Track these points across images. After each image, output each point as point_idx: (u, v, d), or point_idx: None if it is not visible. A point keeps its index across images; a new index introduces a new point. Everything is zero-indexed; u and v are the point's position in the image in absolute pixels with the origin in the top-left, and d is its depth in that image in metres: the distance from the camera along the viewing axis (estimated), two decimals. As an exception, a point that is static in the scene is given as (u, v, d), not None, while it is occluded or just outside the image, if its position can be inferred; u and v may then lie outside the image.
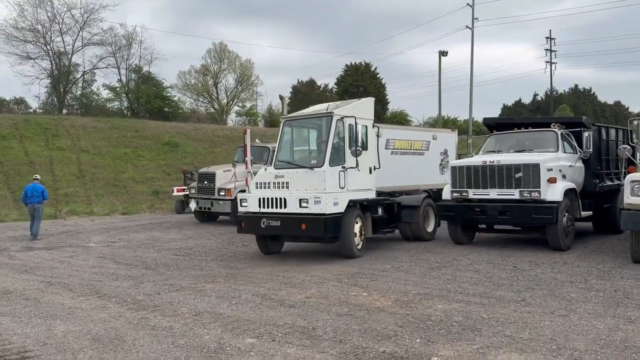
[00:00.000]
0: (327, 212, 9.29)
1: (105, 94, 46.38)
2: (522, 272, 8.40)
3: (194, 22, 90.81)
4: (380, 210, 11.07)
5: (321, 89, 59.38)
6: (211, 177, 17.95)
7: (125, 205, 23.92)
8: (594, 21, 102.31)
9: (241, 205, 10.28)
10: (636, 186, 8.57)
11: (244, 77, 58.70)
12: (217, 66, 57.77)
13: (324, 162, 9.71)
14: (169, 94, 46.57)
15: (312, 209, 9.32)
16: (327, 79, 76.04)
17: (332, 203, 9.42)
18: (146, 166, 29.23)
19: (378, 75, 56.62)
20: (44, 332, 5.62)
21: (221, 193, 17.46)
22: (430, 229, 12.54)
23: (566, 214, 10.35)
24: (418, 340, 5.11)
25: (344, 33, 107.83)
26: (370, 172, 10.78)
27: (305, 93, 57.90)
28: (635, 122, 9.86)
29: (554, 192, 10.10)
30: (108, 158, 28.57)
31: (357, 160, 10.00)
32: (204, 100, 58.54)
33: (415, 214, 11.94)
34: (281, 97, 15.78)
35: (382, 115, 52.61)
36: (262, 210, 9.91)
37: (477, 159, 11.19)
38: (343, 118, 10.11)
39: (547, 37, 57.89)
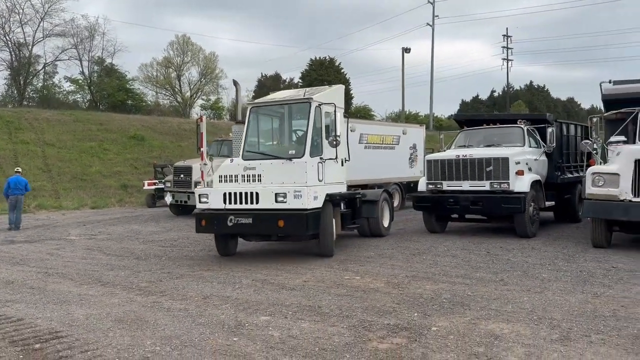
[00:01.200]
0: (308, 207, 8.50)
1: (67, 86, 45.38)
2: (496, 256, 9.16)
3: (155, 14, 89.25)
4: (344, 205, 10.28)
5: (286, 82, 59.56)
6: (187, 170, 18.15)
7: (94, 199, 23.75)
8: (548, 20, 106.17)
9: (200, 202, 9.19)
10: (596, 178, 9.44)
11: (208, 70, 58.30)
12: (180, 59, 57.18)
13: (305, 153, 8.97)
14: (132, 87, 45.86)
15: (291, 203, 8.49)
16: (292, 73, 76.24)
17: (312, 197, 8.68)
18: (113, 160, 29.00)
19: (342, 70, 57.28)
20: (64, 315, 5.93)
21: (198, 186, 17.72)
22: (386, 224, 12.08)
23: (532, 204, 11.22)
24: (416, 314, 5.71)
25: (307, 27, 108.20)
26: (342, 165, 10.16)
27: (270, 87, 58.07)
28: (595, 120, 10.79)
29: (521, 184, 10.94)
30: (74, 152, 28.20)
31: (336, 151, 9.44)
32: (167, 93, 57.86)
33: (375, 208, 11.38)
34: (235, 83, 13.07)
35: (347, 109, 53.34)
36: (229, 206, 8.89)
37: (450, 153, 11.93)
38: (321, 105, 9.44)
39: (504, 35, 60.02)
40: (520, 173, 10.99)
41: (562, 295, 6.46)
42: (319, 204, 8.90)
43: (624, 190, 9.14)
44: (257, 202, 8.74)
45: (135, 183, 26.19)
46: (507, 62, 60.08)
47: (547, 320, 5.44)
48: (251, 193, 8.79)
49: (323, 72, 56.89)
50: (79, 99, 45.51)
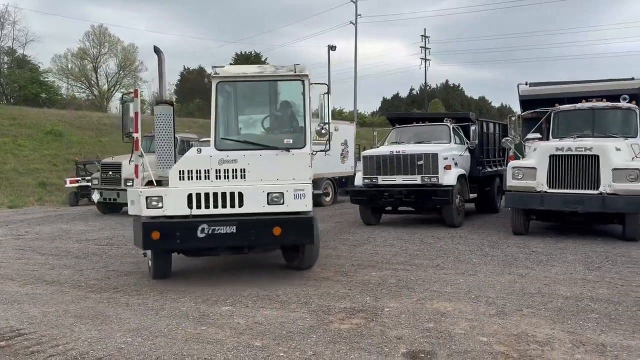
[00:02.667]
0: (310, 210, 6.93)
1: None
2: (429, 245, 9.89)
3: (70, 2, 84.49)
4: None
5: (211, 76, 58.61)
6: (116, 167, 17.68)
7: (11, 198, 22.40)
8: (464, 22, 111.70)
9: (149, 207, 6.72)
10: (516, 171, 10.43)
11: (127, 62, 56.30)
12: (96, 50, 54.80)
13: (306, 142, 7.28)
14: (46, 79, 43.39)
15: (292, 205, 6.81)
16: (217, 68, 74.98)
17: (311, 198, 7.11)
18: (29, 156, 27.42)
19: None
20: (20, 314, 5.84)
21: (128, 183, 17.30)
22: None
23: (458, 196, 12.14)
24: (368, 298, 6.19)
25: (229, 21, 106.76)
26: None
27: (193, 81, 57.00)
28: (513, 118, 11.86)
29: (449, 178, 11.81)
30: (-16, 148, 26.40)
31: (328, 142, 7.74)
32: (82, 86, 55.23)
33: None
34: (157, 50, 8.36)
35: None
36: (197, 211, 6.75)
37: (385, 149, 12.61)
38: (312, 85, 7.60)
39: (422, 35, 62.62)
40: (448, 168, 11.85)
41: (492, 276, 7.21)
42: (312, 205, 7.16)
43: (540, 183, 10.17)
44: (240, 205, 6.80)
45: (55, 181, 24.98)
46: (425, 62, 62.78)
47: (484, 298, 6.11)
48: (232, 193, 6.78)
49: (248, 67, 56.67)
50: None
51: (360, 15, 43.97)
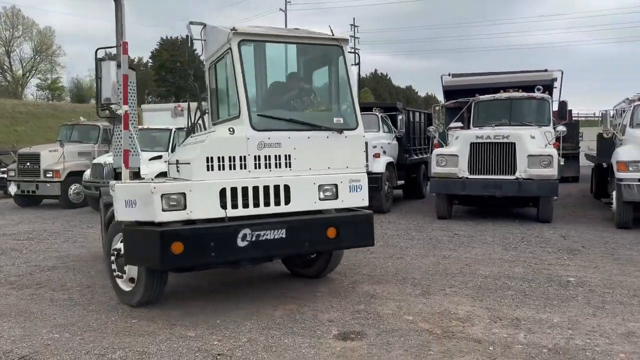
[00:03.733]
0: (366, 205, 5.82)
1: None
2: (359, 231, 10.18)
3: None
4: None
5: (134, 62, 56.48)
6: (35, 158, 16.77)
7: None
8: (392, 12, 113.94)
9: (167, 208, 4.88)
10: (440, 158, 10.93)
11: (43, 47, 53.13)
12: (9, 33, 51.30)
13: (358, 122, 5.80)
14: (-49, 63, 40.16)
15: (347, 200, 5.61)
16: (141, 53, 72.22)
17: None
18: None
19: (196, 52, 55.84)
20: None
21: (48, 175, 16.49)
22: None
23: (387, 183, 12.54)
24: (300, 284, 6.33)
25: (151, 5, 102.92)
26: None
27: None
28: (437, 108, 12.38)
29: (378, 165, 12.16)
30: None
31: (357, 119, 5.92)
32: (-7, 71, 51.62)
33: None
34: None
35: (201, 93, 52.26)
36: (233, 212, 5.09)
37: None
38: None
39: (351, 25, 63.36)
40: (377, 156, 12.19)
41: (418, 259, 7.56)
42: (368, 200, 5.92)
43: (461, 169, 10.72)
44: (287, 202, 5.35)
45: (-35, 173, 23.29)
46: (355, 51, 63.54)
47: (410, 280, 6.42)
48: (276, 187, 5.29)
49: (175, 52, 55.04)
50: None
51: (289, 2, 43.84)
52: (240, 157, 5.19)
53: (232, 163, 5.16)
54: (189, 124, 6.48)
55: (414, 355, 4.15)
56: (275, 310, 5.34)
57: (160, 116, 16.67)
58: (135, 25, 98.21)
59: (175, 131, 15.21)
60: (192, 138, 6.05)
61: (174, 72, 53.98)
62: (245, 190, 5.15)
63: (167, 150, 14.83)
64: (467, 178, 10.68)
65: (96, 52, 6.15)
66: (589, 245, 8.43)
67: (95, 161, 14.68)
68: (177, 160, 5.75)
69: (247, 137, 5.19)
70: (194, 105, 6.63)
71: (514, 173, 10.39)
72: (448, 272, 6.78)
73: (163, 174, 14.16)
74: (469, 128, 11.76)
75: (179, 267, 5.26)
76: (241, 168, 5.20)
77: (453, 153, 10.87)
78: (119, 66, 5.81)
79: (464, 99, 12.12)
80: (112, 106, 5.70)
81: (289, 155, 5.39)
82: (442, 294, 5.79)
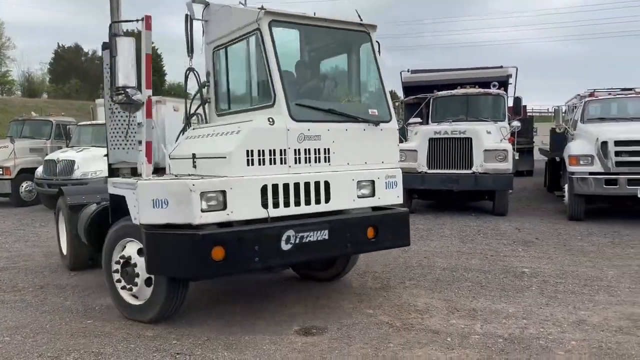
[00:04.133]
0: (401, 203, 5.52)
1: None
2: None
3: None
4: None
5: (89, 55, 54.91)
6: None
7: None
8: (350, 9, 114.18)
9: (206, 209, 4.33)
10: (400, 154, 11.00)
11: (-9, 39, 50.90)
12: (-47, 23, 48.99)
13: (391, 114, 5.53)
14: None
15: (384, 198, 5.30)
16: (95, 45, 70.23)
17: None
18: None
19: (152, 44, 54.72)
20: None
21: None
22: None
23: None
24: (263, 280, 6.30)
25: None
26: None
27: (69, 60, 53.00)
28: (397, 104, 12.50)
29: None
30: None
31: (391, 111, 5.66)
32: None
33: None
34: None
35: (159, 87, 51.33)
36: (275, 212, 4.64)
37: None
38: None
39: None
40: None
41: (378, 253, 7.55)
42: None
43: (421, 164, 10.89)
44: (327, 200, 4.94)
45: None
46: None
47: (371, 273, 6.48)
48: (317, 184, 4.86)
49: (135, 43, 53.63)
50: None
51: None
52: (281, 150, 4.69)
53: (272, 157, 4.65)
54: (187, 115, 5.68)
55: (374, 347, 4.20)
56: (235, 307, 5.30)
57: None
58: (87, 16, 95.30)
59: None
60: (201, 129, 5.35)
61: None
62: (286, 187, 4.69)
63: (125, 146, 14.49)
64: (426, 173, 10.86)
65: (110, 27, 5.26)
66: (542, 237, 8.71)
67: (47, 157, 14.19)
68: (193, 154, 4.91)
69: (288, 128, 4.69)
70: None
71: (471, 167, 10.63)
72: (408, 265, 6.88)
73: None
74: (427, 123, 11.94)
75: (218, 275, 4.86)
76: (281, 163, 4.70)
77: (412, 148, 11.02)
78: (113, 35, 4.94)
79: (422, 95, 12.30)
80: (129, 90, 4.85)
81: (328, 149, 4.95)
82: (401, 287, 5.87)
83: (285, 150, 4.69)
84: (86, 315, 5.20)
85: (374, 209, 5.26)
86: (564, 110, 14.15)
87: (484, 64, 14.06)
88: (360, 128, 5.13)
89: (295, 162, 4.76)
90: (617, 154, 9.53)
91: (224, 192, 4.37)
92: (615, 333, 4.42)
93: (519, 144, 12.37)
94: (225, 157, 4.51)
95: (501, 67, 13.73)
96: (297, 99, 4.92)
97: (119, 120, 5.82)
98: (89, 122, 16.18)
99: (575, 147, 10.29)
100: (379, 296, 5.55)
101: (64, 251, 7.38)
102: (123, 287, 4.95)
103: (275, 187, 4.60)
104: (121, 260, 4.93)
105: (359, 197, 5.10)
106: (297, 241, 4.58)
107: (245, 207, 4.46)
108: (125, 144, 5.77)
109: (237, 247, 4.31)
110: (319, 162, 4.90)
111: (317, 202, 4.84)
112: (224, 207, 4.37)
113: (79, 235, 6.61)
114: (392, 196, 5.35)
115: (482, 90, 12.10)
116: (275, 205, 4.60)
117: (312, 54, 5.64)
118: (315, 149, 4.87)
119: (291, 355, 4.09)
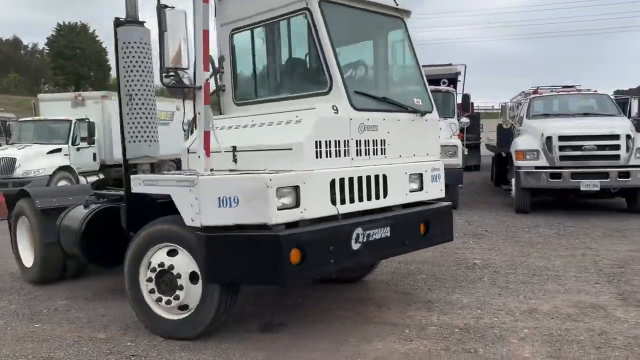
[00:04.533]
0: (443, 196, 5.40)
1: None
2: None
3: None
4: None
5: (29, 49, 52.51)
6: None
7: None
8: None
9: (279, 207, 3.83)
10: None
11: None
12: None
13: (432, 104, 5.34)
14: None
15: (430, 192, 5.13)
16: (36, 38, 67.03)
17: None
18: None
19: (97, 38, 52.97)
20: None
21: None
22: None
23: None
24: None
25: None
26: None
27: (7, 53, 50.49)
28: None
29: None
30: None
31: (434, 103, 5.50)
32: None
33: None
34: None
35: (104, 82, 49.71)
36: (343, 209, 4.29)
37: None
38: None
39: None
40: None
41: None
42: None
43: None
44: (385, 195, 4.66)
45: None
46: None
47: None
48: (376, 177, 4.58)
49: (74, 38, 51.77)
50: None
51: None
52: (344, 141, 4.35)
53: (337, 149, 4.29)
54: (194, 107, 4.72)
55: (334, 342, 4.20)
56: (192, 306, 5.18)
57: (59, 106, 15.54)
58: (27, 8, 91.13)
59: (76, 122, 14.30)
60: (225, 120, 4.87)
61: (73, 59, 50.72)
62: (351, 181, 4.35)
63: (67, 143, 13.94)
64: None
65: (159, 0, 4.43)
66: (491, 229, 8.98)
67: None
68: (234, 147, 4.41)
69: (350, 117, 4.36)
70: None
71: (423, 162, 10.80)
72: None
73: (64, 168, 13.61)
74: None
75: (295, 281, 4.34)
76: (345, 154, 4.35)
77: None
78: (118, 24, 4.34)
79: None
80: (180, 72, 4.26)
81: (384, 141, 4.68)
82: (358, 282, 5.90)
83: (348, 141, 4.37)
84: (33, 319, 4.97)
85: (417, 203, 5.02)
86: (509, 107, 14.63)
87: (431, 62, 14.28)
88: (409, 118, 4.93)
89: (357, 154, 4.47)
90: (561, 148, 9.94)
91: (296, 188, 3.94)
92: (564, 320, 4.60)
93: (467, 139, 12.69)
94: (291, 149, 4.10)
95: (450, 64, 14.03)
96: (350, 86, 4.52)
97: (139, 110, 4.80)
98: (30, 118, 15.49)
99: (521, 143, 10.66)
100: (336, 291, 5.56)
101: (27, 263, 6.34)
102: (158, 300, 4.31)
103: (341, 181, 4.27)
104: (158, 268, 4.28)
105: (410, 191, 4.90)
106: (365, 240, 4.28)
107: (316, 204, 4.07)
108: (147, 137, 4.83)
109: (315, 249, 3.92)
110: (377, 154, 4.64)
111: (377, 197, 4.57)
112: (297, 205, 3.94)
113: (57, 244, 5.75)
114: (437, 190, 5.20)
115: (432, 87, 12.25)
116: (342, 201, 4.28)
117: (355, 38, 5.23)
118: (373, 140, 4.60)
119: (251, 353, 4.04)
